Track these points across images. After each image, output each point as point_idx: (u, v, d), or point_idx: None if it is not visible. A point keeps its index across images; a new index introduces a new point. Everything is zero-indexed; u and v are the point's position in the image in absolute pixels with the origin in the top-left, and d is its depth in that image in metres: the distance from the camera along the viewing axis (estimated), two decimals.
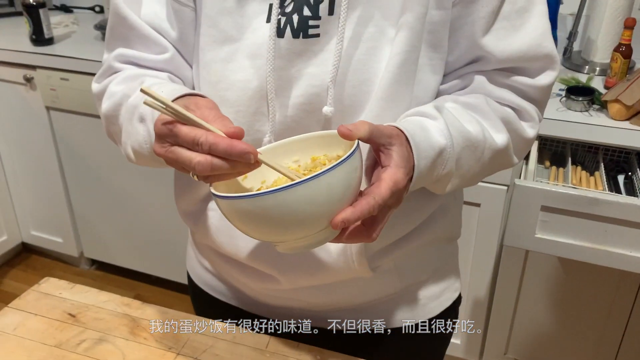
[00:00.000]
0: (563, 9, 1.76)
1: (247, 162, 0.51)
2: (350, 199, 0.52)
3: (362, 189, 0.55)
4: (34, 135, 2.08)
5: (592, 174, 1.42)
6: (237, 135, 0.51)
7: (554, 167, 1.45)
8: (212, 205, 0.75)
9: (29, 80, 1.95)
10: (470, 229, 1.59)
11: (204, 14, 0.65)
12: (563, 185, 1.30)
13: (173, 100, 0.56)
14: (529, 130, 0.70)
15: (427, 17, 0.63)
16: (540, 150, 1.48)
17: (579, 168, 1.45)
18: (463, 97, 0.68)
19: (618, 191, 1.37)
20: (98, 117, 0.80)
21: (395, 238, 0.72)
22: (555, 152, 1.52)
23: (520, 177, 1.35)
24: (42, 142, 2.08)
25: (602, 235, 1.23)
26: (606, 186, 1.33)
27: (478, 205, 1.55)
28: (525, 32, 0.65)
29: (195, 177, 0.53)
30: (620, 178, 1.42)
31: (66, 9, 2.43)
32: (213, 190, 0.52)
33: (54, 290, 0.84)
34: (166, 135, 0.53)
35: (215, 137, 0.50)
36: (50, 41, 1.97)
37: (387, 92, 0.63)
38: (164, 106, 0.51)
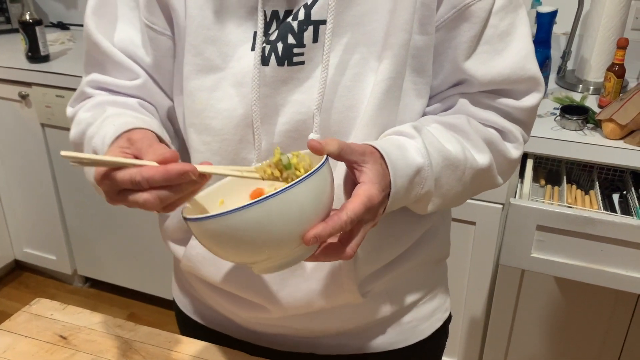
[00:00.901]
0: (557, 29, 1.77)
1: (189, 180, 0.50)
2: (321, 216, 0.51)
3: None
4: (29, 152, 2.07)
5: (587, 192, 1.42)
6: (170, 159, 0.51)
7: (549, 186, 1.46)
8: None
9: (24, 97, 1.95)
10: (465, 247, 1.59)
11: (188, 43, 0.65)
12: (558, 205, 1.30)
13: (116, 138, 0.56)
14: (514, 151, 0.70)
15: (410, 43, 0.63)
16: (535, 168, 1.48)
17: (574, 187, 1.45)
18: (444, 118, 0.68)
19: (613, 210, 1.37)
20: None
21: (385, 262, 0.72)
22: (551, 170, 1.52)
23: (515, 196, 1.35)
24: (36, 159, 2.07)
25: (598, 255, 1.23)
26: (601, 205, 1.33)
27: (473, 223, 1.55)
28: (508, 55, 0.65)
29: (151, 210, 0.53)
30: (615, 197, 1.43)
31: (63, 26, 2.44)
32: (183, 214, 0.52)
33: (45, 312, 0.82)
34: (107, 185, 0.52)
35: (149, 171, 0.49)
36: (46, 58, 1.97)
37: (372, 117, 0.63)
38: (91, 161, 0.51)
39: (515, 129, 0.70)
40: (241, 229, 0.48)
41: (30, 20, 1.90)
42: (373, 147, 0.57)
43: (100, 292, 2.33)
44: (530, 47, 0.66)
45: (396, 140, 0.60)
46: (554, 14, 1.64)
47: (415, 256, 0.74)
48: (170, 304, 2.16)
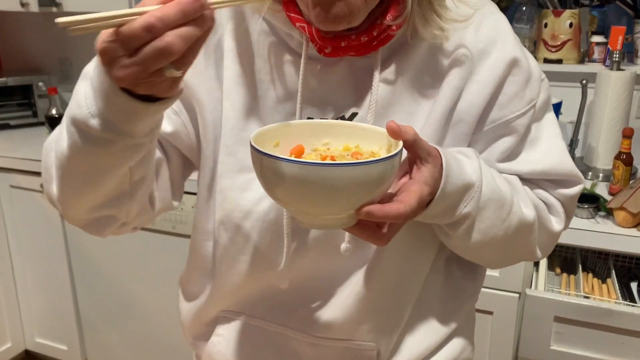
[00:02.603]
0: (562, 118, 1.82)
1: (202, 9, 0.44)
2: (381, 195, 0.53)
3: None
4: (47, 241, 2.10)
5: (604, 281, 1.40)
6: None
7: (564, 274, 1.44)
8: (219, 330, 0.75)
9: None
10: (484, 338, 1.55)
11: (222, 144, 0.67)
12: (575, 295, 1.28)
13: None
14: (556, 225, 0.71)
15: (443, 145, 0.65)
16: (550, 257, 1.48)
17: (590, 275, 1.43)
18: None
19: (632, 300, 1.34)
20: None
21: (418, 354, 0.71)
22: (565, 258, 1.51)
23: (531, 286, 1.34)
24: (54, 248, 2.10)
25: (619, 347, 1.19)
26: (619, 294, 1.31)
27: (491, 313, 1.52)
28: (542, 155, 0.68)
29: (173, 71, 0.46)
30: (634, 285, 1.40)
31: None
32: (254, 144, 0.51)
33: None
34: (113, 49, 0.45)
35: (161, 9, 0.43)
36: None
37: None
38: (89, 20, 0.44)
39: (558, 205, 0.71)
40: (326, 182, 0.48)
41: (57, 115, 2.00)
42: (438, 151, 0.58)
43: None
44: (563, 145, 0.69)
45: (457, 157, 0.61)
46: (558, 105, 1.69)
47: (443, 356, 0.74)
48: None
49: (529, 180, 0.70)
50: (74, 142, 0.55)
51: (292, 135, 0.59)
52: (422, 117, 0.64)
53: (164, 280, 1.94)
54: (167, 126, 0.69)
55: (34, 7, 1.98)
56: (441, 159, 0.58)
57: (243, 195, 0.66)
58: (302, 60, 0.63)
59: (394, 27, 0.60)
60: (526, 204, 0.67)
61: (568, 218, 0.73)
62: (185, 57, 0.45)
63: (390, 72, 0.64)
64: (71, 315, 2.16)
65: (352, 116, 0.65)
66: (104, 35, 0.45)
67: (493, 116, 0.66)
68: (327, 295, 0.69)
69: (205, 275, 0.77)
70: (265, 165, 0.51)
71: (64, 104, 2.60)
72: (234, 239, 0.68)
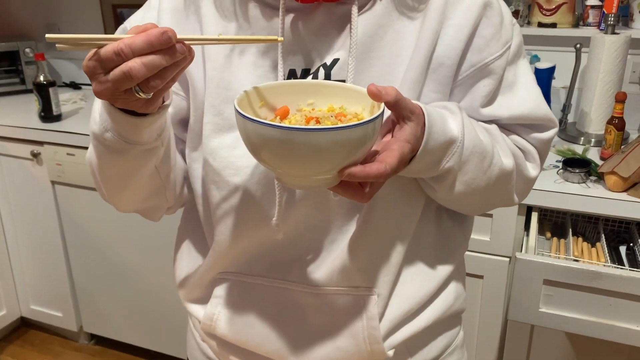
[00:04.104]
0: (556, 83, 1.81)
1: (168, 42, 0.50)
2: (363, 155, 0.54)
3: None
4: (39, 209, 2.10)
5: (593, 244, 1.42)
6: (151, 27, 0.51)
7: (555, 239, 1.45)
8: (217, 291, 0.75)
9: (35, 155, 1.99)
10: (474, 301, 1.57)
11: (208, 104, 0.68)
12: (565, 258, 1.30)
13: None
14: (532, 171, 0.73)
15: (422, 99, 0.66)
16: (540, 221, 1.49)
17: (580, 239, 1.45)
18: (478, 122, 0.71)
19: (621, 263, 1.36)
20: None
21: (404, 315, 0.73)
22: (556, 222, 1.52)
23: (521, 250, 1.35)
24: (46, 216, 2.09)
25: (607, 310, 1.21)
26: (608, 258, 1.33)
27: (481, 277, 1.54)
28: (521, 98, 0.70)
29: (140, 94, 0.52)
30: (622, 249, 1.42)
31: (75, 86, 2.52)
32: (238, 108, 0.52)
33: None
34: (93, 66, 0.51)
35: (130, 37, 0.50)
36: (58, 118, 2.03)
37: None
38: (74, 40, 0.51)
39: (534, 151, 0.73)
40: (309, 146, 0.50)
41: (45, 82, 1.97)
42: (421, 109, 0.59)
43: (106, 349, 2.30)
44: (538, 90, 0.72)
45: (440, 110, 0.63)
46: (552, 69, 1.68)
47: (433, 309, 0.76)
48: None
49: (505, 126, 0.72)
50: (99, 152, 0.64)
51: (277, 95, 0.59)
52: (404, 61, 0.65)
53: (158, 246, 1.94)
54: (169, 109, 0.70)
55: None
56: (424, 117, 0.58)
57: (233, 153, 0.67)
58: (280, 11, 0.64)
59: None
60: (505, 153, 0.69)
61: (542, 162, 0.76)
62: (150, 82, 0.51)
63: (368, 17, 0.65)
64: (65, 282, 2.17)
65: (334, 62, 0.65)
66: (89, 54, 0.51)
67: (472, 60, 0.67)
68: (323, 246, 0.70)
69: (200, 237, 0.78)
70: (250, 129, 0.52)
71: (52, 71, 2.56)
72: (226, 197, 0.69)
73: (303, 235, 0.70)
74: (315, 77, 0.66)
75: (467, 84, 0.68)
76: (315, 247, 0.70)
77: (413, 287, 0.73)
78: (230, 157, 0.67)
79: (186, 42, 0.52)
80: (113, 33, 0.57)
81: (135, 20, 0.74)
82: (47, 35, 0.50)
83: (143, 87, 0.51)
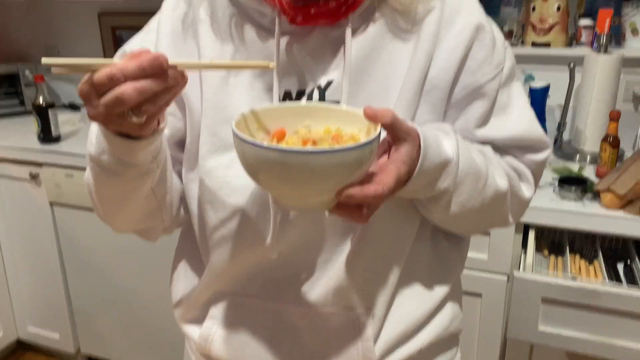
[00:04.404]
0: (550, 101, 1.83)
1: (160, 68, 0.50)
2: (360, 177, 0.55)
3: None
4: (37, 230, 2.10)
5: (591, 262, 1.42)
6: (143, 53, 0.52)
7: (552, 256, 1.46)
8: (213, 312, 0.75)
9: (34, 176, 2.00)
10: (473, 320, 1.57)
11: (204, 125, 0.69)
12: (563, 276, 1.30)
13: None
14: (526, 192, 0.74)
15: (416, 120, 0.67)
16: (537, 239, 1.49)
17: (577, 256, 1.45)
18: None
19: (619, 280, 1.36)
20: None
21: (400, 337, 0.73)
22: (553, 240, 1.53)
23: (519, 268, 1.35)
24: (44, 237, 2.09)
25: (606, 328, 1.21)
26: (606, 275, 1.33)
27: (480, 295, 1.54)
28: (515, 121, 0.71)
29: (133, 118, 0.53)
30: (620, 266, 1.42)
31: (74, 107, 2.53)
32: (236, 131, 0.52)
33: None
34: (87, 91, 0.52)
35: (123, 63, 0.51)
36: (57, 139, 2.04)
37: None
38: (70, 65, 0.52)
39: (528, 172, 0.74)
40: (306, 168, 0.50)
41: (44, 104, 1.98)
42: (416, 131, 0.59)
43: None
44: (531, 112, 0.73)
45: (435, 132, 0.63)
46: (546, 89, 1.69)
47: (429, 330, 0.76)
48: None
49: (499, 148, 0.73)
50: (95, 174, 0.66)
51: (274, 117, 0.60)
52: (398, 82, 0.66)
53: (156, 267, 1.94)
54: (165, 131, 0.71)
55: None
56: (419, 138, 0.59)
57: (229, 173, 0.68)
58: (276, 34, 0.65)
59: None
60: (500, 175, 0.70)
61: (536, 183, 0.77)
62: (142, 106, 0.52)
63: (361, 39, 0.66)
64: (63, 304, 2.16)
65: (328, 84, 0.66)
66: (84, 78, 0.52)
67: (464, 82, 0.68)
68: (318, 265, 0.70)
69: (196, 257, 0.78)
70: (247, 151, 0.53)
71: (51, 92, 2.58)
72: (222, 216, 0.69)
73: (298, 255, 0.70)
74: (310, 98, 0.67)
75: (460, 106, 0.69)
76: (310, 266, 0.70)
77: (409, 308, 0.73)
78: (226, 177, 0.68)
79: (179, 67, 0.53)
80: (112, 55, 0.58)
81: (135, 43, 0.75)
82: (43, 60, 0.51)
83: (135, 112, 0.52)
